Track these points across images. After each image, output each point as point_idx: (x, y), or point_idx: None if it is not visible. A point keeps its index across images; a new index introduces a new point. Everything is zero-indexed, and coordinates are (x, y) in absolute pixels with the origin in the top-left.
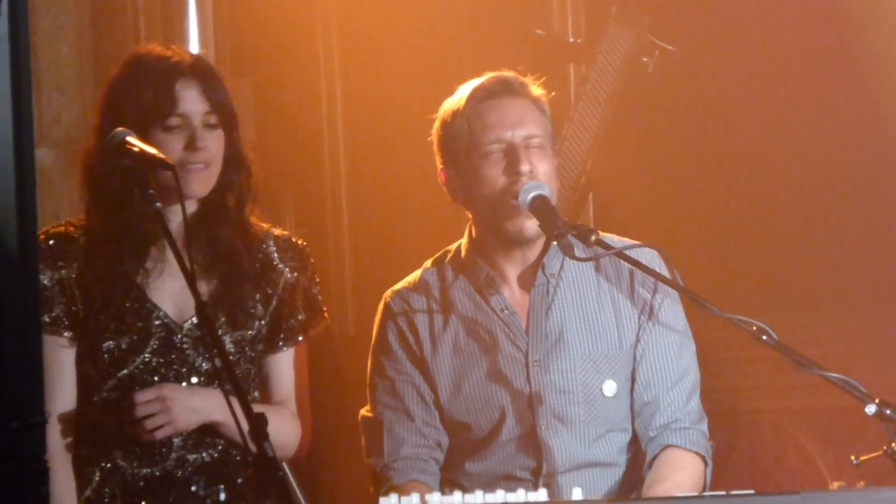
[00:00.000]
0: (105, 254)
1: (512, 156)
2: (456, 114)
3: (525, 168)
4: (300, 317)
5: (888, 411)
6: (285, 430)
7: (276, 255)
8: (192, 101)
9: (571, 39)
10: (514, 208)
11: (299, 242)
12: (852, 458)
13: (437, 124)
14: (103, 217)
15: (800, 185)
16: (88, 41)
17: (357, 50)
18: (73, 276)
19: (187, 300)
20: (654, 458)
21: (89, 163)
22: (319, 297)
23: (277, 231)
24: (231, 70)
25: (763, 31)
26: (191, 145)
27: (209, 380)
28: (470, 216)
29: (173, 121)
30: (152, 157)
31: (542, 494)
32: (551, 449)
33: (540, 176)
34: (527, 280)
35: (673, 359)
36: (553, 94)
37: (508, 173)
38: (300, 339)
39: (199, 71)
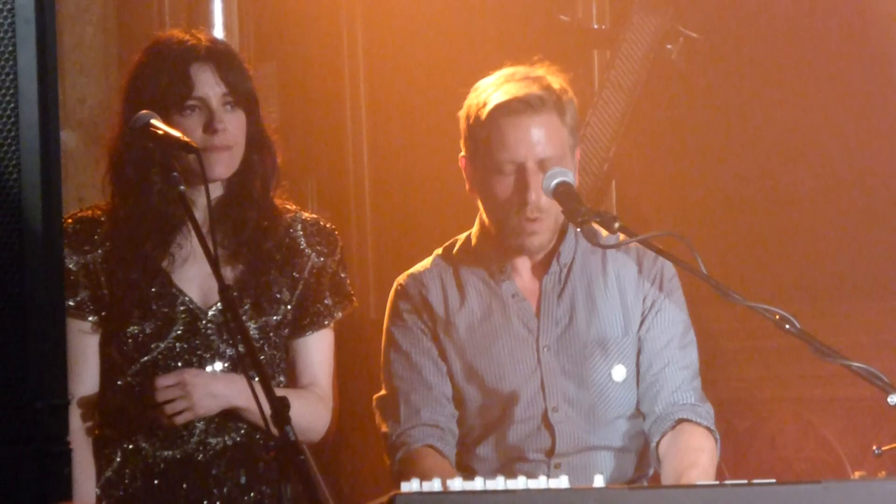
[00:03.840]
0: (130, 238)
1: (522, 181)
2: (478, 119)
3: (532, 197)
4: (326, 301)
5: None
6: (311, 414)
7: (302, 239)
8: (208, 84)
9: (595, 26)
10: (518, 226)
11: (327, 226)
12: (874, 447)
13: (463, 113)
14: (128, 201)
15: (824, 172)
16: (113, 23)
17: (381, 34)
18: (99, 260)
19: (213, 285)
20: (665, 434)
21: (114, 147)
22: (347, 282)
23: (306, 214)
24: (255, 54)
25: (788, 18)
26: (209, 127)
27: (234, 365)
28: (480, 205)
29: (191, 103)
30: (176, 139)
31: (563, 481)
32: (562, 431)
33: (547, 201)
34: (539, 268)
35: (678, 344)
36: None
37: (517, 195)
38: (326, 323)
39: (216, 53)
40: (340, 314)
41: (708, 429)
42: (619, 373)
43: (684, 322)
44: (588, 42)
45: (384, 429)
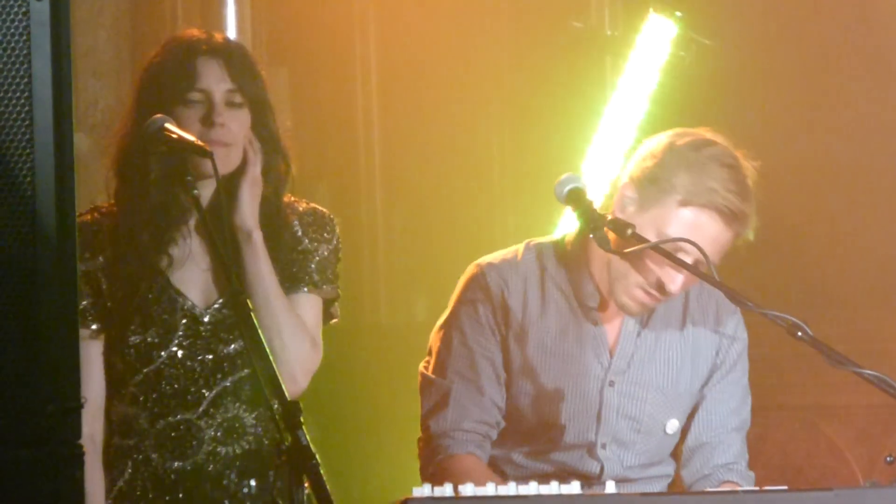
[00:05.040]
0: (130, 240)
1: (669, 272)
2: (686, 188)
3: (672, 289)
4: (311, 273)
5: None
6: (303, 353)
7: (299, 231)
8: (213, 78)
9: (609, 32)
10: (636, 296)
11: (323, 214)
12: (886, 456)
13: (665, 156)
14: (130, 201)
15: (838, 180)
16: (126, 27)
17: (393, 39)
18: (99, 266)
19: (213, 286)
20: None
21: (121, 146)
22: (335, 269)
23: (302, 206)
24: (267, 58)
25: (800, 25)
26: (208, 121)
27: (234, 366)
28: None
29: (193, 96)
30: (190, 143)
31: (575, 487)
32: (602, 468)
33: (673, 292)
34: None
35: (737, 407)
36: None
37: (660, 276)
38: (305, 289)
39: (226, 49)
40: (325, 288)
41: None
42: (673, 426)
43: (745, 387)
44: (601, 48)
45: (427, 421)
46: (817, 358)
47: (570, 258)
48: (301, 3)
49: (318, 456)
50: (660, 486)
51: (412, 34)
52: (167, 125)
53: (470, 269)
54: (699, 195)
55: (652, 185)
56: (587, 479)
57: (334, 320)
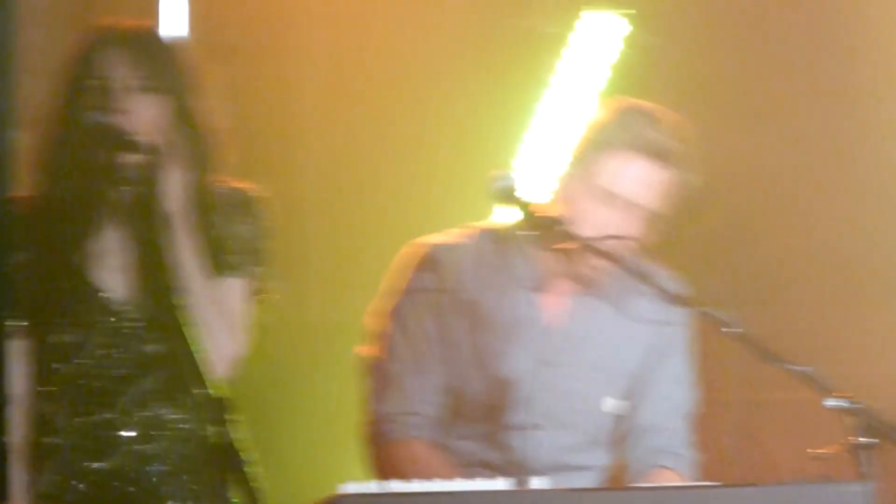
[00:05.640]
0: (48, 235)
1: (624, 218)
2: (609, 140)
3: (626, 236)
4: (233, 256)
5: (849, 405)
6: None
7: (222, 215)
8: (115, 66)
9: (548, 31)
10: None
11: (243, 195)
12: (813, 451)
13: (595, 121)
14: (53, 195)
15: (779, 180)
16: (67, 26)
17: (336, 36)
18: (20, 260)
19: (134, 280)
20: (644, 474)
21: (41, 139)
22: (261, 248)
23: (225, 188)
24: (206, 56)
25: (748, 24)
26: (109, 108)
27: (155, 364)
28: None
29: (94, 82)
30: (126, 140)
31: (503, 483)
32: (537, 448)
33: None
34: (565, 283)
35: (681, 391)
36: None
37: (611, 228)
38: (227, 275)
39: (131, 37)
40: (249, 270)
41: (687, 478)
42: (610, 404)
43: (689, 370)
44: (541, 46)
45: (370, 404)
46: (745, 353)
47: (509, 241)
48: (242, 1)
49: (247, 452)
50: (597, 477)
51: (356, 32)
52: (103, 119)
53: (410, 250)
54: (623, 141)
55: (580, 150)
56: (521, 462)
57: (268, 297)
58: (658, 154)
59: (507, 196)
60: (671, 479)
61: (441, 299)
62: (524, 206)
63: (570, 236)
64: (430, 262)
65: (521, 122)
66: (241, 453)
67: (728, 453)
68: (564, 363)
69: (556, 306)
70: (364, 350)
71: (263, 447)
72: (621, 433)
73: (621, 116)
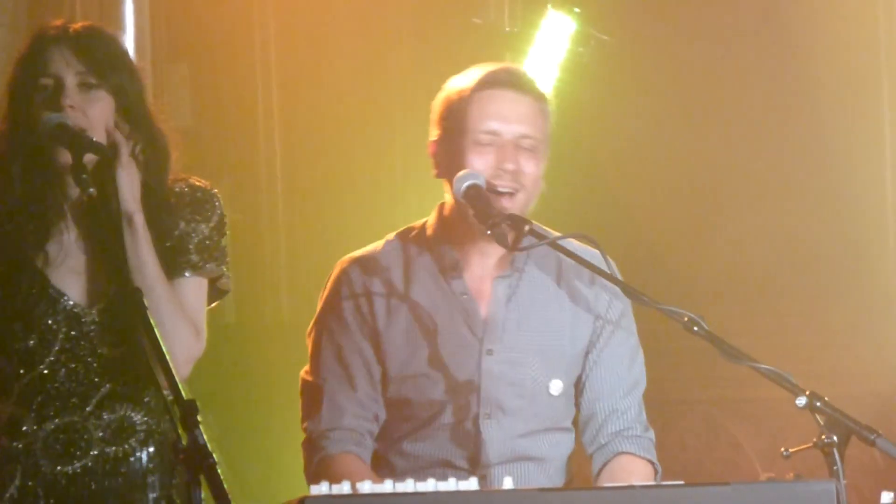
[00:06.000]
0: (6, 236)
1: (500, 152)
2: (460, 94)
3: (510, 167)
4: (191, 257)
5: (818, 404)
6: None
7: (178, 213)
8: (62, 63)
9: (508, 29)
10: (489, 201)
11: (203, 191)
12: (782, 449)
13: (440, 96)
14: (6, 196)
15: (735, 177)
16: (24, 25)
17: (293, 35)
18: None
19: (95, 283)
20: (606, 463)
21: None
22: (222, 245)
23: (179, 187)
24: (167, 55)
25: (701, 22)
26: (57, 105)
27: (121, 367)
28: (446, 195)
29: (44, 81)
30: (89, 140)
31: (472, 483)
32: (491, 439)
33: (524, 178)
34: (491, 270)
35: (627, 368)
36: None
37: (493, 167)
38: (187, 274)
39: (79, 36)
40: (208, 268)
41: (649, 461)
42: (557, 386)
43: (633, 346)
44: (500, 44)
45: (304, 423)
46: (716, 352)
47: (431, 240)
48: (200, 0)
49: (216, 454)
50: (559, 468)
51: (312, 30)
52: (65, 122)
53: (334, 269)
54: (476, 85)
55: (442, 113)
56: (476, 455)
57: (226, 293)
58: (517, 82)
59: (475, 195)
60: (634, 466)
61: (360, 312)
62: (490, 205)
63: (537, 234)
64: (343, 279)
65: None
66: (210, 456)
67: (698, 452)
68: (506, 350)
69: (487, 295)
70: (303, 370)
71: (230, 448)
72: (578, 419)
73: (468, 71)
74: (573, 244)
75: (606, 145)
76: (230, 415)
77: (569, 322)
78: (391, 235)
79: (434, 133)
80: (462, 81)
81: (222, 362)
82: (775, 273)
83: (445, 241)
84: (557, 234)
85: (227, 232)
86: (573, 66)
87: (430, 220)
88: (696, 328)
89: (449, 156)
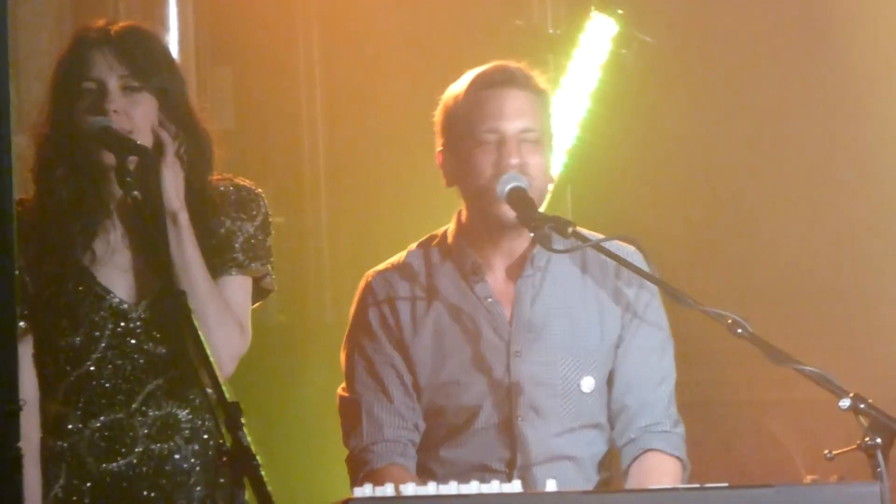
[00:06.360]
0: (51, 238)
1: (503, 148)
2: (457, 99)
3: (514, 161)
4: (236, 255)
5: (862, 406)
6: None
7: (223, 211)
8: (104, 66)
9: (551, 31)
10: (495, 197)
11: (247, 190)
12: (826, 451)
13: (440, 107)
14: (48, 198)
15: (777, 179)
16: (69, 29)
17: (337, 38)
18: (24, 264)
19: (141, 280)
20: (635, 460)
21: (38, 143)
22: (268, 245)
23: (224, 186)
24: (211, 59)
25: (743, 24)
26: (101, 109)
27: (166, 365)
28: (462, 201)
29: (87, 85)
30: (133, 143)
31: (516, 486)
32: (526, 440)
33: (530, 170)
34: (514, 271)
35: (656, 361)
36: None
37: (497, 164)
38: (233, 272)
39: (120, 37)
40: (253, 266)
41: (677, 458)
42: (588, 384)
43: (662, 338)
44: (543, 46)
45: (346, 441)
46: (759, 353)
47: (452, 247)
48: (244, 3)
49: (260, 456)
50: (593, 466)
51: (356, 33)
52: (110, 126)
53: (361, 284)
54: (471, 88)
55: (447, 118)
56: (513, 457)
57: (270, 292)
58: (511, 78)
59: (517, 197)
60: (663, 463)
61: (387, 324)
62: (534, 207)
63: (580, 236)
64: (369, 292)
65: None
66: (254, 457)
67: (742, 454)
68: (534, 351)
69: (511, 295)
70: (340, 388)
71: (274, 450)
72: (609, 415)
73: (463, 77)
74: (615, 245)
75: (650, 146)
76: (273, 416)
77: (596, 317)
78: (413, 245)
79: (438, 143)
80: (458, 87)
81: (267, 363)
82: (820, 273)
83: (466, 246)
84: (600, 235)
85: (272, 231)
86: (616, 67)
87: (450, 227)
88: (739, 330)
89: (456, 162)
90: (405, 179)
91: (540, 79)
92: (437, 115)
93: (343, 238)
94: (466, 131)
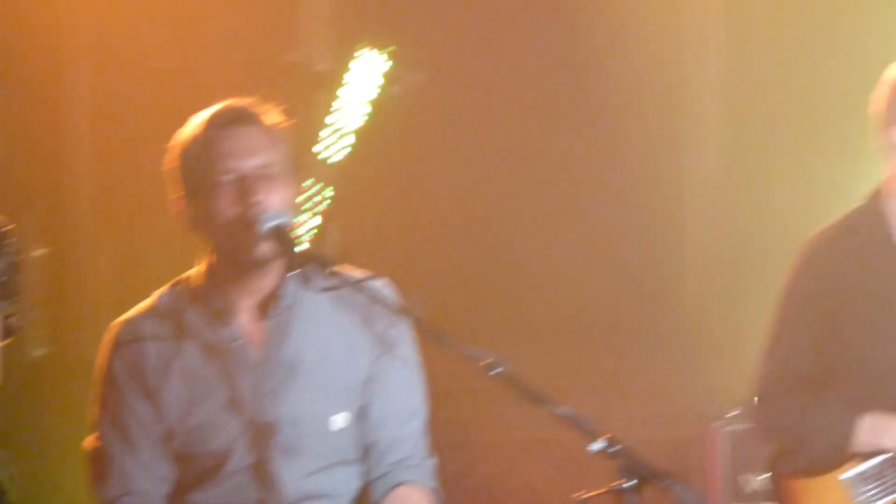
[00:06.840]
0: None
1: (243, 186)
2: (192, 142)
3: (257, 198)
4: None
5: (613, 448)
6: None
7: None
8: None
9: (320, 67)
10: (247, 235)
11: None
12: (578, 494)
13: (172, 154)
14: None
15: (544, 218)
16: None
17: (105, 68)
18: None
19: None
20: (387, 494)
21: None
22: (12, 282)
23: None
24: None
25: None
26: None
27: None
28: (206, 245)
29: None
30: None
31: None
32: (278, 481)
33: (273, 206)
34: (262, 310)
35: (406, 396)
36: (296, 121)
37: (240, 203)
38: None
39: None
40: (1, 304)
41: (430, 489)
42: (341, 420)
43: (412, 375)
44: (311, 83)
45: (93, 489)
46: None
47: (199, 290)
48: (8, 28)
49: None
50: (354, 492)
51: (124, 63)
52: None
53: (107, 333)
54: (203, 131)
55: (185, 170)
56: (266, 498)
57: (17, 330)
58: (235, 117)
59: (279, 235)
60: (415, 496)
61: (132, 373)
62: (295, 245)
63: (337, 275)
64: (114, 342)
65: (297, 161)
66: (4, 492)
67: (502, 495)
68: (284, 391)
69: (260, 335)
70: (87, 441)
71: (37, 481)
72: (363, 451)
73: (190, 122)
74: (372, 283)
75: (413, 184)
76: (34, 449)
77: (345, 353)
78: (165, 287)
79: (175, 190)
80: (189, 132)
81: (30, 397)
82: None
83: (212, 287)
84: (360, 274)
85: (22, 268)
86: (385, 104)
87: (198, 269)
88: (493, 371)
89: (197, 206)
90: (171, 213)
91: (272, 113)
92: (171, 162)
93: (108, 269)
94: (204, 174)
